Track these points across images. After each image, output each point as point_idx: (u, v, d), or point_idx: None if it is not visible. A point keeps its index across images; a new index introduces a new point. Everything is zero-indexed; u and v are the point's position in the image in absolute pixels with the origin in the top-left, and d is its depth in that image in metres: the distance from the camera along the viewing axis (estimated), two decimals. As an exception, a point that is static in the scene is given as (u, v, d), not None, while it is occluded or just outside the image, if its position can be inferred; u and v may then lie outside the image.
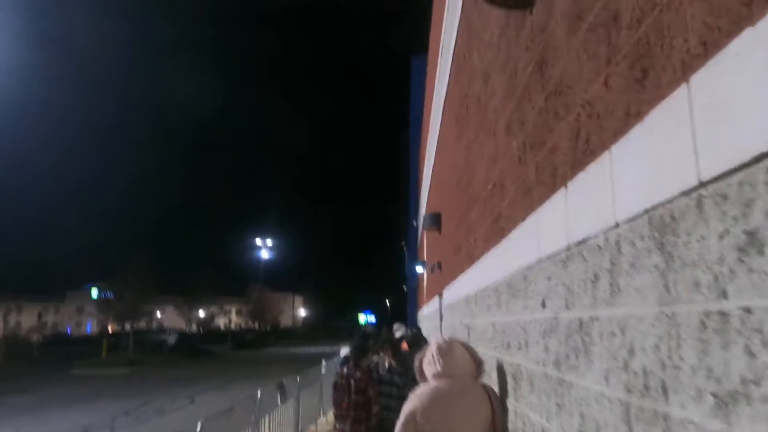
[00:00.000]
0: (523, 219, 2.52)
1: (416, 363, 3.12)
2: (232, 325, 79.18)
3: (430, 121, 10.48)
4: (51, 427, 11.70)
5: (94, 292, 48.53)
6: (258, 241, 63.25)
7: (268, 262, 65.44)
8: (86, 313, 56.86)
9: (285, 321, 75.18)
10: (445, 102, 7.19)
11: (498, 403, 2.79)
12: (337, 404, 5.23)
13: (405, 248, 38.10)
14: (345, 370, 5.35)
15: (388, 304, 64.29)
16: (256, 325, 66.70)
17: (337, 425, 5.20)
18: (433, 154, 9.91)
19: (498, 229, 3.18)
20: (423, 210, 13.28)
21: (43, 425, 12.00)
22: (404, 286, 41.09)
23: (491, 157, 3.43)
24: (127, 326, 44.61)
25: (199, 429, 4.66)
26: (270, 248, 64.18)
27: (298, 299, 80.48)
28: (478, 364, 2.96)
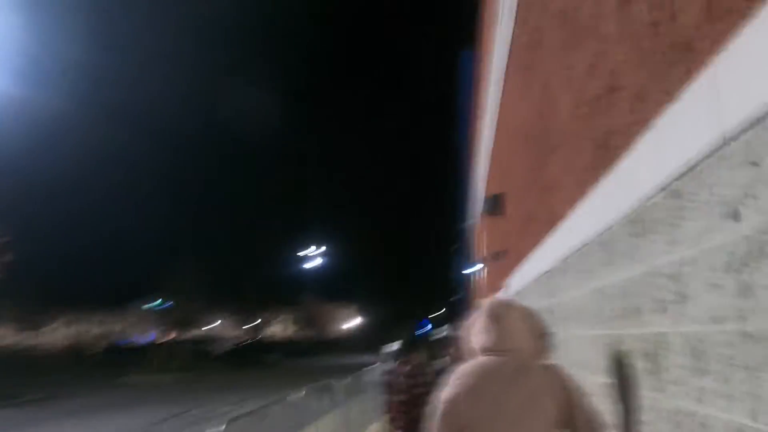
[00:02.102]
0: (658, 111, 1.63)
1: (461, 333, 2.31)
2: (285, 335, 79.59)
3: (486, 98, 9.65)
4: (94, 431, 11.61)
5: (152, 304, 49.66)
6: (310, 251, 63.25)
7: (320, 272, 65.39)
8: (145, 323, 58.17)
9: (337, 330, 74.93)
10: (509, 54, 6.30)
11: (577, 392, 1.92)
12: (388, 404, 4.45)
13: (456, 253, 37.09)
14: (393, 368, 4.56)
15: (439, 312, 63.09)
16: (308, 335, 66.70)
17: (392, 427, 4.40)
18: (492, 132, 9.04)
19: (606, 154, 2.28)
20: (479, 202, 12.35)
21: (86, 429, 11.87)
22: (457, 292, 40.03)
23: (591, 63, 2.53)
24: (182, 335, 45.44)
25: (224, 428, 4.00)
26: (322, 257, 64.03)
27: (351, 309, 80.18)
28: (542, 336, 2.12)
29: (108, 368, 30.69)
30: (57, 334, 68.05)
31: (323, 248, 63.73)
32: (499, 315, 2.11)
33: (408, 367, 4.35)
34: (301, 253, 61.76)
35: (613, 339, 2.21)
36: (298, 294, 67.57)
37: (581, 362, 2.69)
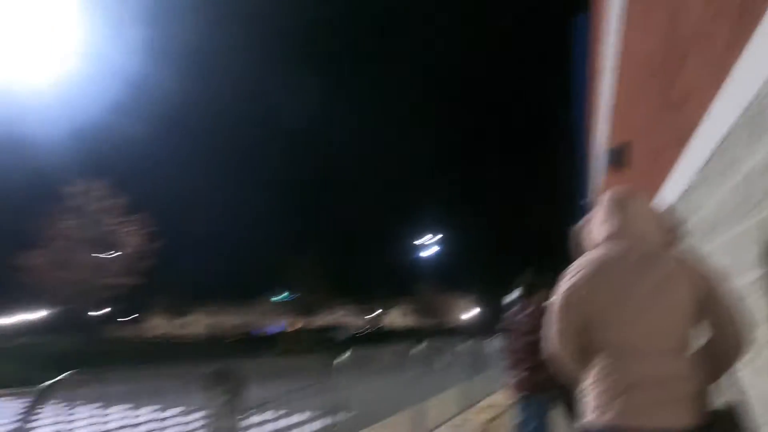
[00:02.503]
0: None
1: (580, 229, 2.16)
2: (404, 323, 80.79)
3: (606, 45, 9.13)
4: (256, 397, 12.53)
5: (280, 296, 52.75)
6: (426, 239, 63.56)
7: (436, 260, 65.54)
8: (274, 315, 61.91)
9: (456, 319, 74.60)
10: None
11: (717, 283, 1.73)
12: (513, 348, 4.35)
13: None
14: (515, 311, 4.45)
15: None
16: (427, 323, 67.17)
17: (518, 371, 4.30)
18: (611, 82, 8.54)
19: (744, 27, 2.06)
20: (599, 166, 11.73)
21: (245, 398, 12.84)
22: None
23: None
24: (307, 324, 47.89)
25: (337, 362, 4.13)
26: (438, 245, 64.09)
27: (469, 297, 79.48)
28: (672, 228, 1.95)
29: (244, 354, 33.06)
30: (199, 324, 74.70)
31: (439, 236, 63.79)
32: (624, 201, 1.98)
33: (531, 308, 4.24)
34: (418, 242, 62.28)
35: (765, 222, 2.01)
36: (416, 283, 68.28)
37: (727, 268, 2.47)
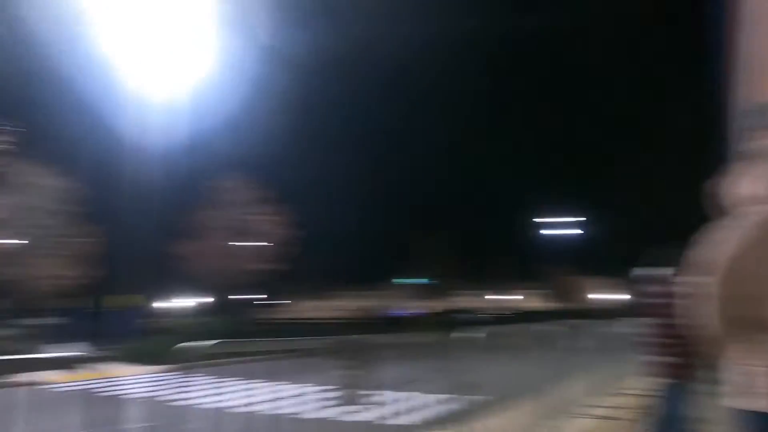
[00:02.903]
0: None
1: (723, 187, 1.81)
2: (539, 305, 78.34)
3: None
4: (387, 375, 12.99)
5: (414, 280, 53.68)
6: (562, 219, 60.91)
7: (572, 242, 62.59)
8: (408, 297, 63.19)
9: (592, 301, 70.79)
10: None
11: None
12: (653, 337, 4.00)
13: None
14: (660, 288, 4.07)
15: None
16: (562, 306, 64.51)
17: (664, 356, 3.95)
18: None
19: None
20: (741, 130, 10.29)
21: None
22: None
23: None
24: (441, 307, 48.31)
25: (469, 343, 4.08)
26: (575, 226, 61.12)
27: (605, 281, 74.92)
28: None
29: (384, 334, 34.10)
30: (340, 307, 78.68)
31: (576, 216, 60.74)
32: None
33: (674, 286, 3.86)
34: (552, 222, 59.85)
35: None
36: (550, 265, 65.74)
37: None
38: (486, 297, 65.00)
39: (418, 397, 5.19)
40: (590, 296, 72.50)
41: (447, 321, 40.83)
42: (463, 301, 62.71)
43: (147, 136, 21.66)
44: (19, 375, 13.69)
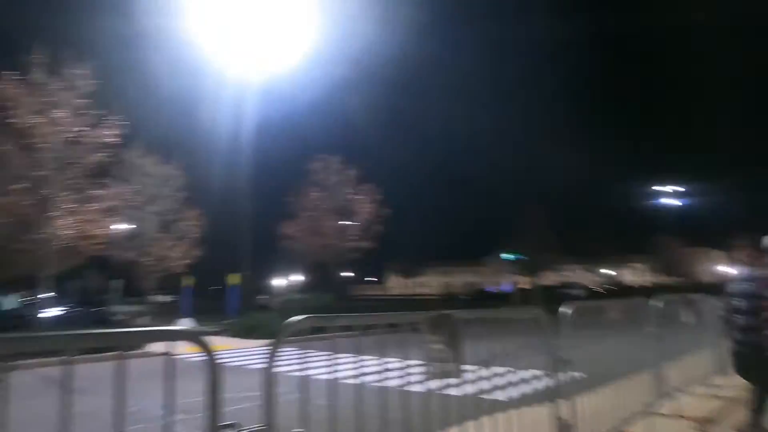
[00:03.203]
0: None
1: None
2: (642, 280, 74.20)
3: None
4: (482, 351, 12.86)
5: (506, 256, 52.60)
6: (664, 189, 56.74)
7: (678, 214, 58.20)
8: (504, 273, 62.13)
9: (701, 277, 65.77)
10: None
11: None
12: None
13: None
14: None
15: None
16: (668, 280, 60.52)
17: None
18: None
19: None
20: None
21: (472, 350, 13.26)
22: None
23: None
24: (538, 282, 47.01)
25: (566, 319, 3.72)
26: (680, 198, 56.73)
27: (715, 253, 69.21)
28: None
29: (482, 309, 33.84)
30: (433, 283, 78.99)
31: (681, 187, 56.38)
32: None
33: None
34: (657, 194, 56.04)
35: None
36: (655, 238, 61.71)
37: None
38: (587, 271, 62.40)
39: (515, 373, 4.93)
40: (703, 269, 67.45)
41: (547, 295, 39.69)
42: (565, 275, 60.66)
43: (248, 120, 22.55)
44: (148, 346, 14.95)
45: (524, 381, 6.75)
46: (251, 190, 22.57)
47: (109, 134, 17.73)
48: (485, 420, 3.84)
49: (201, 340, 2.32)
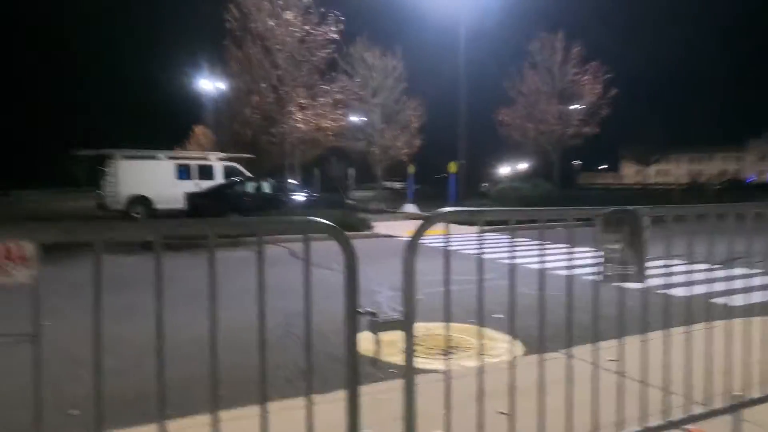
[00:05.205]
0: None
1: None
2: None
3: None
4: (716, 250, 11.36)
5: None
6: None
7: None
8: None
9: None
10: None
11: None
12: None
13: None
14: None
15: None
16: None
17: None
18: None
19: None
20: None
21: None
22: None
23: None
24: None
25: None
26: None
27: None
28: None
29: (727, 201, 29.47)
30: (678, 171, 70.39)
31: None
32: None
33: None
34: None
35: None
36: None
37: None
38: None
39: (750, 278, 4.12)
40: None
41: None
42: None
43: (460, 4, 21.71)
44: (376, 228, 16.58)
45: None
46: (468, 79, 22.13)
47: (333, 30, 18.75)
48: (719, 325, 3.34)
49: (341, 234, 2.33)
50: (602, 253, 2.93)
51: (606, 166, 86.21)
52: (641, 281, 2.96)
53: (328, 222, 2.28)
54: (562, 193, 24.55)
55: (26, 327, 1.73)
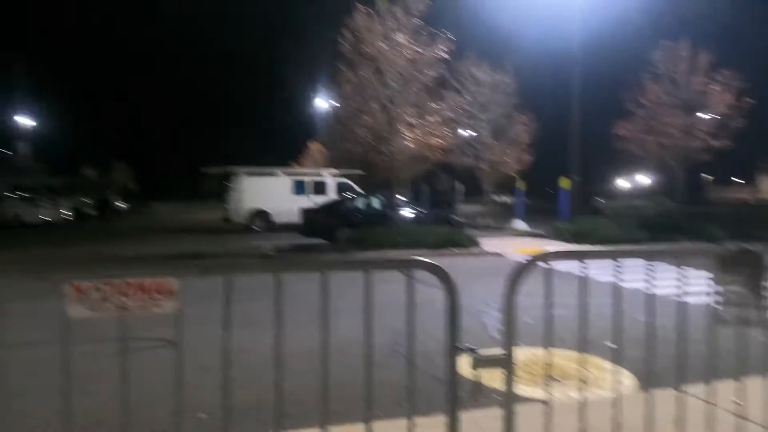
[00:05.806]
0: None
1: None
2: None
3: None
4: None
5: None
6: None
7: None
8: None
9: None
10: None
11: None
12: None
13: None
14: None
15: None
16: None
17: None
18: None
19: None
20: None
21: None
22: None
23: None
24: None
25: None
26: None
27: None
28: None
29: None
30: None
31: None
32: None
33: None
34: None
35: None
36: None
37: None
38: None
39: None
40: None
41: None
42: None
43: (577, 13, 21.06)
44: (484, 245, 16.53)
45: None
46: (582, 91, 21.31)
47: (442, 49, 18.99)
48: None
49: (441, 270, 2.44)
50: (719, 289, 2.80)
51: (742, 181, 78.44)
52: (762, 327, 2.78)
53: (431, 261, 2.41)
54: (688, 212, 22.76)
55: (163, 334, 2.19)
